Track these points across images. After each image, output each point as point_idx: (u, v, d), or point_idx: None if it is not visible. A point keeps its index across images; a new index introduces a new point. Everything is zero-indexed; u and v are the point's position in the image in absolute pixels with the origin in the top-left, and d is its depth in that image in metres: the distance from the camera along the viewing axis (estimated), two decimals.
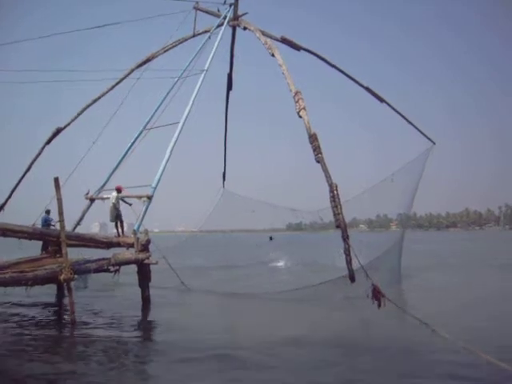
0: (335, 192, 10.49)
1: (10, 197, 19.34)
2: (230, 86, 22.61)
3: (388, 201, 19.18)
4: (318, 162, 11.23)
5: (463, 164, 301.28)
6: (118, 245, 16.10)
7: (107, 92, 19.78)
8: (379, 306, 9.17)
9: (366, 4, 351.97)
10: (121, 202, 17.39)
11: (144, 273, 15.32)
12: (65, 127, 19.34)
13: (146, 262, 15.14)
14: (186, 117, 18.28)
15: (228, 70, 22.41)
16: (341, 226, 10.11)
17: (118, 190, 17.23)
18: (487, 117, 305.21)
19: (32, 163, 19.37)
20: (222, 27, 20.50)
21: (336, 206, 10.29)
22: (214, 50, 19.99)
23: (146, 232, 15.82)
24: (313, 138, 11.63)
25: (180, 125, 17.97)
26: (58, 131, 19.19)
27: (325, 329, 12.23)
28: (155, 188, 16.72)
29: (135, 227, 15.91)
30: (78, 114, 19.44)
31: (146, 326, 13.86)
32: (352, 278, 9.72)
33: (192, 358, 9.68)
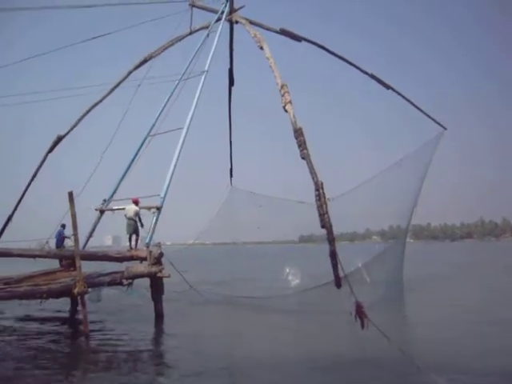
0: (321, 190, 9.85)
1: (17, 207, 19.30)
2: (231, 82, 22.13)
3: (394, 189, 18.20)
4: (303, 158, 10.60)
5: (477, 173, 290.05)
6: (132, 259, 15.85)
7: (106, 96, 19.58)
8: (362, 326, 8.42)
9: (364, 4, 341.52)
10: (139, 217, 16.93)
11: (157, 286, 15.05)
12: (65, 135, 19.23)
13: (159, 275, 14.86)
14: (190, 121, 17.80)
15: (228, 66, 21.90)
16: (326, 226, 9.46)
17: (136, 203, 16.80)
18: (488, 125, 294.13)
19: (36, 172, 19.31)
20: (220, 23, 19.96)
21: (321, 206, 9.64)
22: (213, 49, 19.37)
23: (159, 245, 15.50)
24: (298, 133, 11.01)
25: (184, 130, 17.47)
26: (59, 139, 19.11)
27: (321, 345, 11.69)
28: (164, 198, 16.26)
29: (147, 240, 15.60)
30: (79, 121, 19.30)
31: (158, 340, 13.72)
32: (338, 284, 9.05)
33: (203, 373, 9.55)
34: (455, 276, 29.86)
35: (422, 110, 19.95)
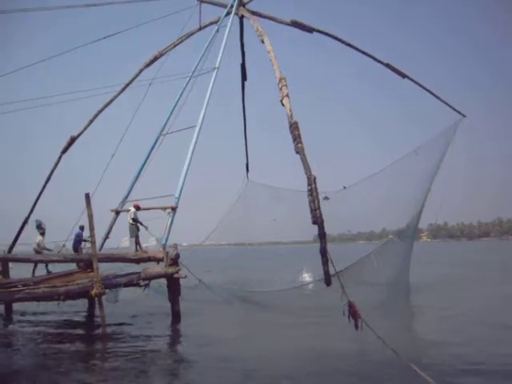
0: (313, 185, 9.60)
1: (33, 209, 19.30)
2: (244, 77, 21.93)
3: (410, 181, 17.56)
4: (298, 152, 10.35)
5: (493, 172, 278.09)
6: (149, 260, 15.85)
7: (118, 95, 19.59)
8: (356, 327, 8.08)
9: (365, 3, 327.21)
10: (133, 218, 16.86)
11: (174, 287, 14.99)
12: (79, 135, 19.43)
13: (176, 276, 14.82)
14: (203, 119, 17.52)
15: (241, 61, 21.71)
16: (317, 222, 9.20)
17: (137, 208, 16.85)
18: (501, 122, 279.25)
19: (51, 174, 19.38)
20: (230, 17, 19.74)
21: (313, 201, 9.39)
22: (223, 44, 19.05)
23: (175, 246, 15.41)
24: (293, 127, 10.78)
25: (197, 128, 17.19)
26: (72, 140, 19.32)
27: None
28: (179, 198, 16.09)
29: (163, 241, 15.44)
30: (91, 121, 19.47)
31: (175, 341, 13.71)
32: (328, 282, 8.78)
33: (219, 374, 9.56)
34: (467, 277, 28.22)
35: (440, 98, 19.23)
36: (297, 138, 10.54)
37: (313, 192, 9.50)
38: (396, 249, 16.70)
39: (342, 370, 9.40)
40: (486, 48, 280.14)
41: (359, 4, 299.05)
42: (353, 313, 8.15)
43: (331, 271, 8.77)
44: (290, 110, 11.24)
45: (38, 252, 17.33)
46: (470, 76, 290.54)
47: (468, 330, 13.01)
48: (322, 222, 9.18)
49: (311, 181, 9.64)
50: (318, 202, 9.39)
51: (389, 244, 17.27)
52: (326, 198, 16.19)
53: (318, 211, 9.26)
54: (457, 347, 10.95)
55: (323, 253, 8.83)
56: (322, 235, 9.03)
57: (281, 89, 11.93)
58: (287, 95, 11.66)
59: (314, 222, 9.30)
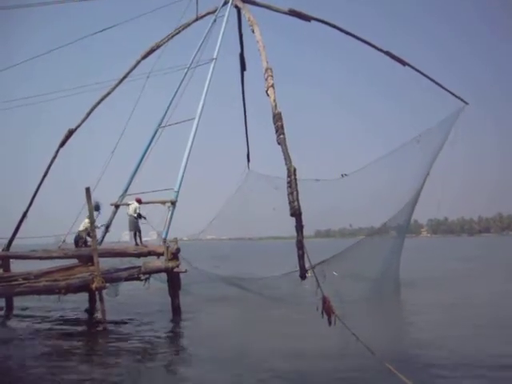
0: (293, 177, 9.45)
1: (31, 203, 19.43)
2: (243, 67, 21.77)
3: (410, 170, 17.25)
4: (279, 143, 10.21)
5: (494, 167, 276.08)
6: (149, 254, 16.00)
7: (115, 87, 19.67)
8: (329, 323, 7.89)
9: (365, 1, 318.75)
10: (138, 213, 17.02)
11: (174, 281, 15.18)
12: (76, 128, 19.51)
13: (176, 270, 15.00)
14: (201, 110, 17.57)
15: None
16: (295, 214, 9.06)
17: (138, 202, 16.99)
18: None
19: (49, 167, 19.47)
20: (227, 7, 19.53)
21: (292, 193, 9.26)
22: (220, 35, 18.89)
23: (176, 240, 15.53)
24: (277, 118, 10.65)
25: (196, 120, 17.25)
26: (70, 133, 19.40)
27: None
28: (178, 192, 16.14)
29: (163, 235, 15.52)
30: (88, 114, 19.55)
31: (175, 335, 13.83)
32: (302, 276, 8.65)
33: (220, 369, 9.62)
34: (464, 273, 27.97)
35: (442, 86, 19.03)
36: (279, 129, 10.42)
37: (292, 184, 9.37)
38: (387, 240, 16.48)
39: (317, 368, 9.41)
40: (486, 46, 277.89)
41: (359, 4, 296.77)
42: (326, 308, 7.99)
43: (307, 265, 8.63)
44: (274, 101, 11.12)
45: (84, 237, 17.26)
46: (471, 74, 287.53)
47: (454, 327, 12.86)
48: (300, 214, 9.04)
49: (291, 173, 9.51)
50: (297, 193, 9.25)
51: (380, 236, 17.04)
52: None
53: (296, 203, 9.12)
54: (438, 344, 10.85)
55: (299, 246, 8.70)
56: (298, 228, 8.89)
57: (266, 79, 11.82)
58: (272, 86, 11.55)
59: (291, 215, 9.16)
